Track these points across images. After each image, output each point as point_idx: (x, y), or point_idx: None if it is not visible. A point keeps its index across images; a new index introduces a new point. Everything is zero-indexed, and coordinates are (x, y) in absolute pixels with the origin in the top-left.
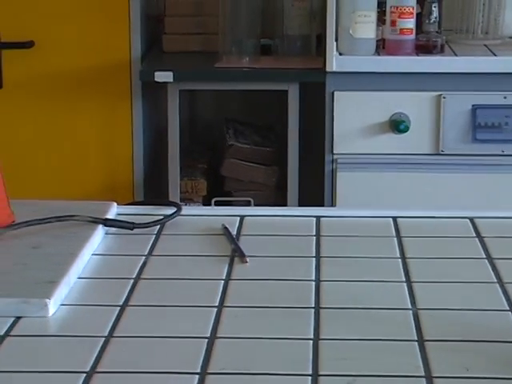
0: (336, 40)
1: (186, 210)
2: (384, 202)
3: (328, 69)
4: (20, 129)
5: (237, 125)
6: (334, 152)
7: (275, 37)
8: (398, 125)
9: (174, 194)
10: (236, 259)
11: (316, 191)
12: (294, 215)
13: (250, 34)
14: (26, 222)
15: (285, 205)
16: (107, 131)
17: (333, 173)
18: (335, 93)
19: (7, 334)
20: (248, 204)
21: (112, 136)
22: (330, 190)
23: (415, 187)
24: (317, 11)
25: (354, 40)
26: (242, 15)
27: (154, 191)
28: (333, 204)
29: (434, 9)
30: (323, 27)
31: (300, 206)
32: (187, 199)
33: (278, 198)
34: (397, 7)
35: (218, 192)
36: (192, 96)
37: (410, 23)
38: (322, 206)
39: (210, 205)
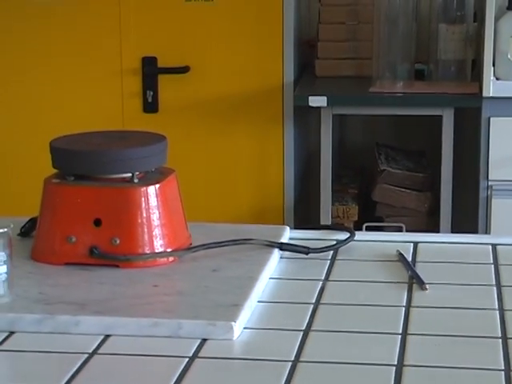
0: (493, 65)
1: (359, 235)
2: None
3: (485, 94)
4: (173, 152)
5: (388, 150)
6: (490, 178)
7: (429, 61)
8: None
9: (326, 219)
10: (415, 286)
11: (469, 218)
12: (469, 242)
13: (404, 59)
14: (205, 244)
15: (437, 231)
16: (259, 155)
17: (487, 199)
18: (491, 118)
19: (195, 355)
20: (399, 230)
21: (264, 160)
22: (485, 217)
23: None
24: (472, 36)
25: None
26: (396, 40)
27: (303, 216)
28: (487, 231)
29: None
30: (479, 52)
31: (452, 232)
32: (338, 224)
33: (430, 224)
34: None
35: (368, 217)
36: (342, 120)
37: None
38: (476, 233)
39: (361, 230)
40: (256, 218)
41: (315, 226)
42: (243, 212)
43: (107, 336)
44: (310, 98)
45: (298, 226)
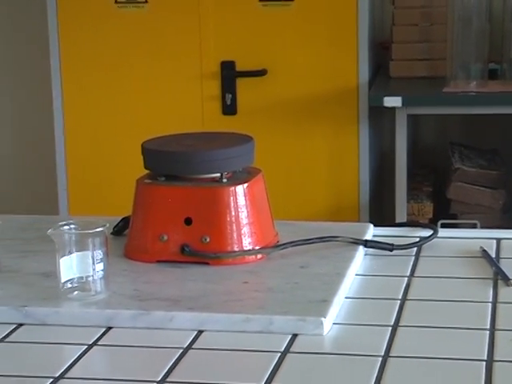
0: None
1: (442, 232)
2: None
3: None
4: None
5: (461, 148)
6: None
7: (503, 61)
8: None
9: (401, 217)
10: (500, 282)
11: None
12: None
13: (478, 59)
14: (292, 242)
15: (511, 228)
16: (335, 154)
17: None
18: None
19: (287, 350)
20: (474, 227)
21: (339, 159)
22: None
23: None
24: None
25: None
26: (469, 40)
27: (377, 213)
28: None
29: None
30: None
31: None
32: (413, 221)
33: (505, 221)
34: None
35: (443, 214)
36: (415, 119)
37: None
38: None
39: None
40: (332, 215)
41: (399, 223)
42: (319, 209)
43: (200, 331)
44: (384, 98)
45: (373, 223)
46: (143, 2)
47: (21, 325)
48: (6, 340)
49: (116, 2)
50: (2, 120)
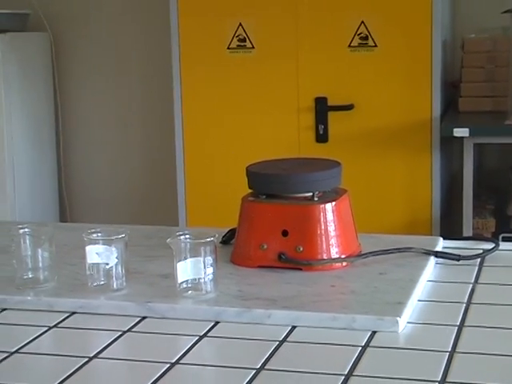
0: None
1: (503, 245)
2: None
3: None
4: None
5: None
6: None
7: None
8: None
9: (468, 231)
10: None
11: None
12: None
13: None
14: (373, 252)
15: None
16: (411, 177)
17: None
18: None
19: (367, 345)
20: None
21: (414, 182)
22: None
23: None
24: None
25: None
26: None
27: (447, 228)
28: None
29: None
30: None
31: None
32: (478, 235)
33: None
34: None
35: (504, 229)
36: (480, 147)
37: None
38: None
39: (497, 240)
40: (407, 229)
41: (465, 237)
42: (397, 224)
43: (293, 327)
44: (454, 129)
45: (443, 236)
46: (251, 48)
47: (144, 318)
48: (132, 330)
49: (228, 48)
50: (133, 149)
